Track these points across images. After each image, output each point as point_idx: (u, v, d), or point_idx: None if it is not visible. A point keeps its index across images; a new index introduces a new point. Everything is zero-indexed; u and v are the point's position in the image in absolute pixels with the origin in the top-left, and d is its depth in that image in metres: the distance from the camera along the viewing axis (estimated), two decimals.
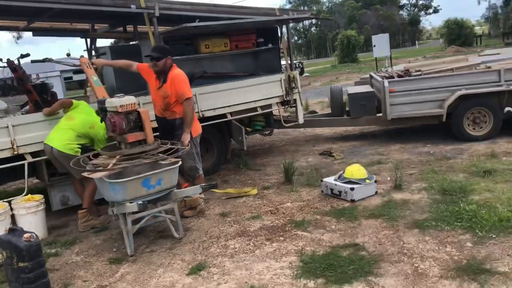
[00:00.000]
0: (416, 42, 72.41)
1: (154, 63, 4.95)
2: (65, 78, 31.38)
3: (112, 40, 12.22)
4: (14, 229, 3.80)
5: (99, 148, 4.99)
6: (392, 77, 8.08)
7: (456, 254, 3.66)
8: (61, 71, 28.00)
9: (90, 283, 3.90)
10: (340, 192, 5.19)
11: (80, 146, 5.09)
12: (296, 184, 5.94)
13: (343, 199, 5.15)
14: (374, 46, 20.34)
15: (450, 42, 43.98)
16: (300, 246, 4.12)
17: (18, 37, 45.15)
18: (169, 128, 5.13)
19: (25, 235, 3.63)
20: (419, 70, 8.47)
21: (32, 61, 6.07)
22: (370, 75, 9.40)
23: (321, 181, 5.54)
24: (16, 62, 6.04)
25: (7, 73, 6.43)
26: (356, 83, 10.82)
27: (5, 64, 6.08)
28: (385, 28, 56.37)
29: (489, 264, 3.44)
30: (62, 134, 5.05)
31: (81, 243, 4.84)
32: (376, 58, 21.88)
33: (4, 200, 5.08)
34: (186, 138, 4.96)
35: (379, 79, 7.86)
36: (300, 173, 6.38)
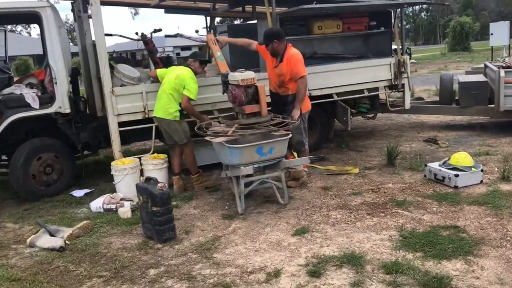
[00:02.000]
0: None
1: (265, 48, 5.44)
2: (176, 54, 33.35)
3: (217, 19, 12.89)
4: (150, 179, 4.45)
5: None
6: (509, 67, 7.71)
7: None
8: (174, 47, 29.81)
9: (207, 232, 4.46)
10: (443, 177, 5.24)
11: (177, 110, 5.53)
12: (398, 167, 6.05)
13: (446, 185, 5.19)
14: (491, 34, 18.97)
15: None
16: (400, 222, 4.32)
17: (135, 13, 48.62)
18: (281, 103, 5.52)
19: (159, 185, 4.26)
20: None
21: (166, 36, 6.77)
22: (485, 64, 9.00)
23: (425, 166, 5.61)
24: (148, 36, 6.80)
25: (140, 45, 7.24)
26: (468, 73, 10.37)
27: (139, 37, 6.87)
28: (505, 15, 51.80)
29: None
30: (159, 102, 5.61)
31: (197, 199, 5.45)
32: (492, 47, 20.43)
33: (135, 156, 5.85)
34: (296, 113, 5.32)
35: (495, 68, 7.56)
36: (403, 157, 6.45)
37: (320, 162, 6.35)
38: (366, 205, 4.85)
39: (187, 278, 3.55)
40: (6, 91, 5.89)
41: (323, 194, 5.30)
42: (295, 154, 5.75)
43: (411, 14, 79.62)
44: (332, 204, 4.97)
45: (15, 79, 6.81)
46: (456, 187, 5.08)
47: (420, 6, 72.96)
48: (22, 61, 30.79)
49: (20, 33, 57.43)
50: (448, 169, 5.25)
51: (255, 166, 4.59)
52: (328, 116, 7.36)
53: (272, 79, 5.57)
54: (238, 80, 4.93)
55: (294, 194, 5.34)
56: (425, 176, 5.55)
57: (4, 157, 6.13)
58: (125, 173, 5.45)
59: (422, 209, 4.62)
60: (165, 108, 5.51)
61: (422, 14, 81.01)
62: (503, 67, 7.60)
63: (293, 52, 5.37)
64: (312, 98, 6.81)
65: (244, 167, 4.66)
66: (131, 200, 5.22)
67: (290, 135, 4.95)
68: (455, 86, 8.75)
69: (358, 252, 3.76)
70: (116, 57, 9.07)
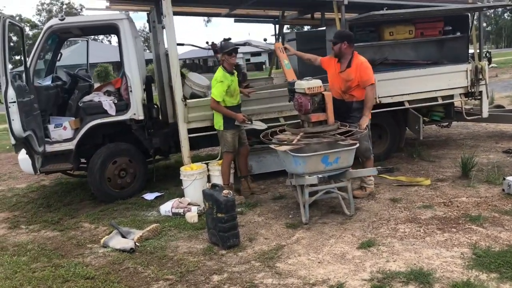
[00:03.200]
0: None
1: (332, 47, 5.36)
2: (245, 60, 33.96)
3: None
4: (215, 185, 4.55)
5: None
6: None
7: None
8: (243, 53, 30.36)
9: (270, 241, 4.47)
10: None
11: (220, 119, 5.56)
12: (474, 179, 5.72)
13: None
14: None
15: None
16: (473, 239, 4.07)
17: (208, 21, 50.27)
18: (344, 110, 5.40)
19: (224, 192, 4.34)
20: None
21: (235, 45, 6.90)
22: None
23: (504, 179, 5.25)
24: (218, 45, 6.97)
25: (211, 52, 7.44)
26: None
27: (210, 46, 7.07)
28: None
29: None
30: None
31: (262, 207, 5.49)
32: None
33: (203, 162, 6.01)
34: (365, 121, 5.21)
35: None
36: (479, 169, 6.08)
37: (389, 173, 6.14)
38: (437, 219, 4.63)
39: (249, 286, 3.58)
40: (86, 98, 6.29)
41: (391, 206, 5.12)
42: None
43: (492, 15, 75.13)
44: (400, 217, 4.79)
45: (95, 86, 7.25)
46: None
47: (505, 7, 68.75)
48: (103, 68, 32.86)
49: (102, 41, 61.22)
50: None
51: (320, 176, 4.53)
52: (399, 124, 7.13)
53: (335, 85, 5.48)
54: (305, 88, 4.90)
55: (361, 205, 5.22)
56: (503, 190, 5.20)
57: (83, 160, 6.54)
58: (193, 179, 5.61)
59: (499, 226, 4.32)
60: (215, 119, 5.64)
61: (506, 14, 76.19)
62: None
63: (363, 60, 5.29)
64: (382, 106, 6.66)
65: (309, 176, 4.63)
66: (198, 205, 5.36)
67: (358, 144, 4.84)
68: None
69: (426, 269, 3.60)
70: (189, 64, 9.40)
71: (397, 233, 4.37)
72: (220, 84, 5.41)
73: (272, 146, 4.96)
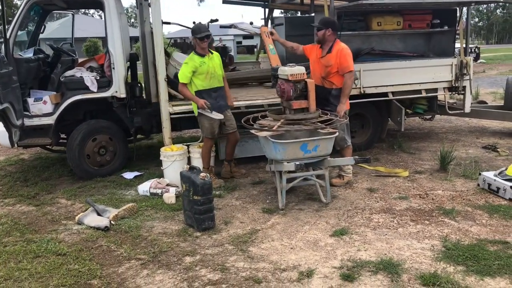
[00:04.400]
0: None
1: (315, 33, 5.36)
2: (237, 42, 33.62)
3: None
4: (193, 168, 4.54)
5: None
6: None
7: None
8: (234, 35, 30.07)
9: (245, 225, 4.49)
10: (498, 188, 4.95)
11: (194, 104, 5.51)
12: (451, 173, 5.79)
13: (500, 196, 4.91)
14: None
15: None
16: (445, 232, 4.14)
17: (201, 0, 49.56)
18: (323, 96, 5.40)
19: (201, 174, 4.33)
20: None
21: (221, 26, 6.84)
22: None
23: (479, 174, 5.32)
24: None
25: None
26: None
27: None
28: None
29: None
30: None
31: (240, 191, 5.50)
32: None
33: (184, 144, 5.99)
34: (342, 108, 5.23)
35: None
36: (457, 163, 6.16)
37: (367, 163, 6.19)
38: (412, 211, 4.69)
39: (220, 269, 3.60)
40: (68, 73, 6.19)
41: (367, 196, 5.18)
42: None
43: (485, 11, 75.39)
44: (376, 207, 4.84)
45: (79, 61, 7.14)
46: (510, 199, 4.79)
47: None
48: (92, 42, 32.33)
49: (93, 16, 60.10)
50: (504, 179, 4.96)
51: (297, 163, 4.55)
52: (381, 115, 7.16)
53: (316, 71, 5.47)
54: (288, 75, 4.89)
55: (338, 194, 5.26)
56: (478, 185, 5.28)
57: (63, 136, 6.46)
58: (173, 160, 5.59)
59: (471, 220, 4.40)
60: (192, 103, 5.58)
61: (498, 10, 76.39)
62: None
63: (343, 46, 5.28)
64: (366, 95, 6.68)
65: (287, 162, 4.64)
66: (177, 187, 5.35)
67: (337, 133, 4.86)
68: None
69: (396, 259, 3.65)
70: (180, 43, 9.27)
71: (370, 223, 4.42)
72: (184, 66, 5.36)
73: (252, 131, 4.95)
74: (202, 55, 5.42)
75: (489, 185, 5.09)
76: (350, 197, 5.14)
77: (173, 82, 5.95)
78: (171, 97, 6.07)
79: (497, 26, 75.15)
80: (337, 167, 5.57)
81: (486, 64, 23.53)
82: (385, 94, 6.87)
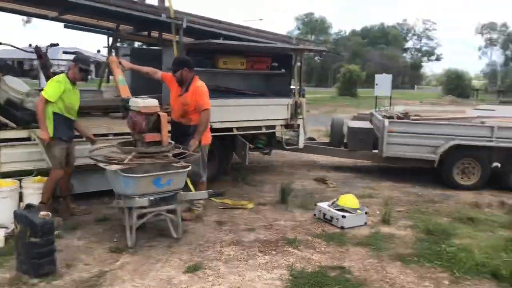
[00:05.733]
0: (416, 86, 73.47)
1: (172, 75, 5.41)
2: None
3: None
4: (30, 206, 4.06)
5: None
6: (392, 117, 8.49)
7: None
8: (71, 60, 28.22)
9: (91, 267, 4.15)
10: (332, 217, 5.50)
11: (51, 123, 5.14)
12: (290, 205, 6.25)
13: (334, 225, 5.45)
14: (377, 85, 20.77)
15: (448, 91, 44.72)
16: (290, 261, 4.41)
17: (27, 21, 45.54)
18: (182, 133, 5.42)
19: (42, 213, 3.90)
20: (418, 115, 8.90)
21: (64, 52, 6.40)
22: (371, 113, 9.81)
23: (315, 205, 5.86)
24: (44, 49, 6.35)
25: (29, 55, 6.73)
26: (355, 118, 11.23)
27: (33, 49, 6.39)
28: (388, 67, 57.28)
29: None
30: None
31: (83, 229, 5.07)
32: (376, 96, 22.34)
33: (15, 178, 5.32)
34: (194, 143, 5.27)
35: (380, 117, 8.26)
36: (294, 195, 6.68)
37: (221, 196, 6.31)
38: (259, 242, 4.90)
39: None
40: None
41: (217, 229, 5.26)
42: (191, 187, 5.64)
43: (306, 56, 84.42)
44: (226, 239, 4.94)
45: None
46: (342, 227, 5.36)
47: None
48: None
49: None
50: (336, 209, 5.53)
51: (151, 198, 4.41)
52: (226, 149, 7.42)
53: (175, 108, 5.47)
54: (140, 107, 4.76)
55: (189, 228, 5.23)
56: (314, 215, 5.79)
57: None
58: (3, 197, 4.91)
59: (312, 248, 4.78)
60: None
61: (316, 58, 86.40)
62: (387, 117, 8.34)
63: (200, 84, 5.37)
64: (212, 130, 6.83)
65: (139, 198, 4.47)
66: (5, 228, 4.70)
67: (190, 167, 4.87)
68: (344, 130, 9.38)
69: None
70: (1, 65, 8.30)
71: (222, 256, 4.48)
72: (57, 84, 5.03)
73: (100, 165, 4.66)
74: (73, 83, 5.20)
75: (324, 214, 5.62)
76: (201, 231, 5.16)
77: (4, 109, 5.31)
78: (2, 126, 5.39)
79: (316, 71, 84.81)
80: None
81: (310, 105, 26.18)
82: (230, 129, 7.15)
